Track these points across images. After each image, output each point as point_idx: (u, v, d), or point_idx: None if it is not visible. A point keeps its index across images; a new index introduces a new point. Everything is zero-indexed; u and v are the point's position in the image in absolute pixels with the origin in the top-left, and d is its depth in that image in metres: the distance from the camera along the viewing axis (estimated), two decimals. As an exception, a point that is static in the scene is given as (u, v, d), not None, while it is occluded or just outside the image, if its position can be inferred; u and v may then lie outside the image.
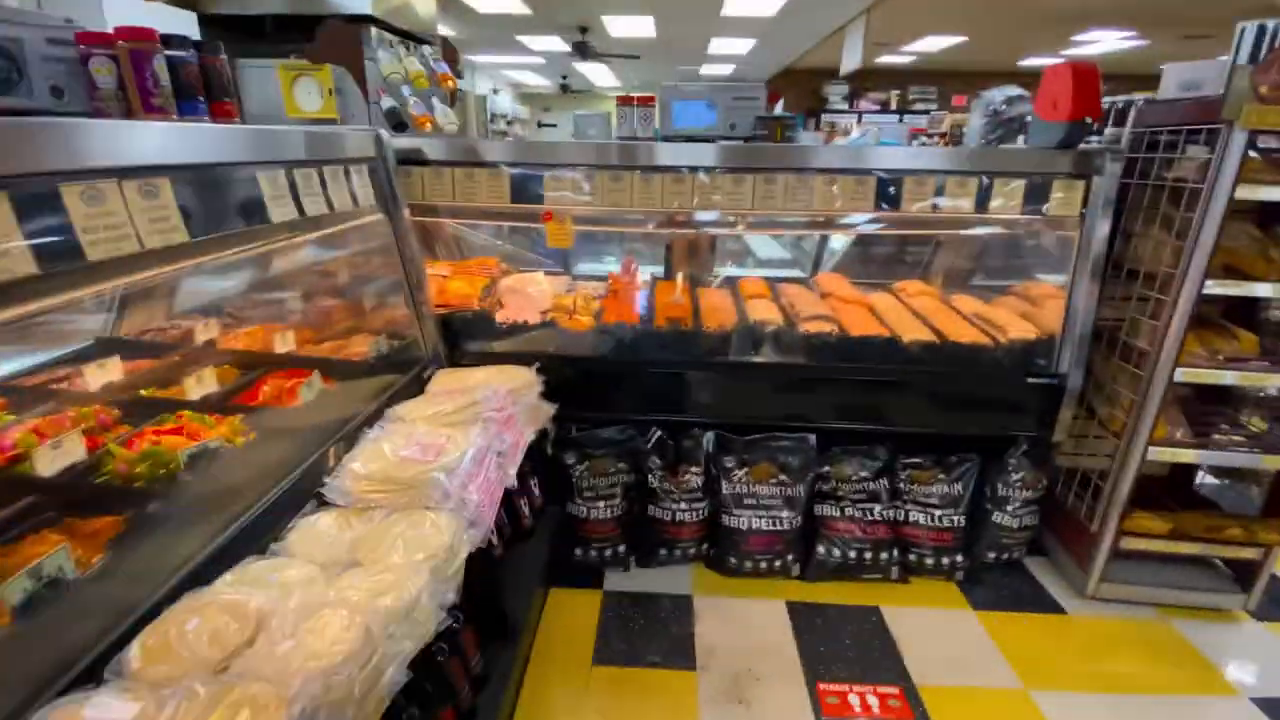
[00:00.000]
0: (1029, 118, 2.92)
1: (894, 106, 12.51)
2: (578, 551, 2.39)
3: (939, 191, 2.24)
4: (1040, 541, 2.59)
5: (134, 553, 1.15)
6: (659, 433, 2.43)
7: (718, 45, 9.81)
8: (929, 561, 2.40)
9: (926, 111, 12.21)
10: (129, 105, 1.25)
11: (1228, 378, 2.11)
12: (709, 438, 2.44)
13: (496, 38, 9.68)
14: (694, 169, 2.25)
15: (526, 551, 2.16)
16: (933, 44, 9.76)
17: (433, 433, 1.65)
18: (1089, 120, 2.17)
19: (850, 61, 7.28)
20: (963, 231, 2.83)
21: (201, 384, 1.66)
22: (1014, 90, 2.84)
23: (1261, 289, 2.00)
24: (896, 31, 8.65)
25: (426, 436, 1.62)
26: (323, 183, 1.70)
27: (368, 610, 1.09)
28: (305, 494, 1.49)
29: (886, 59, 11.33)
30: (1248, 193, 1.93)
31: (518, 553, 2.11)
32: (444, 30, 8.60)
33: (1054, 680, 2.03)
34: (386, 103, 2.38)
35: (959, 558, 2.40)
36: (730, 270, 3.51)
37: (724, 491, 2.35)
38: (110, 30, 1.24)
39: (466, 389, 1.88)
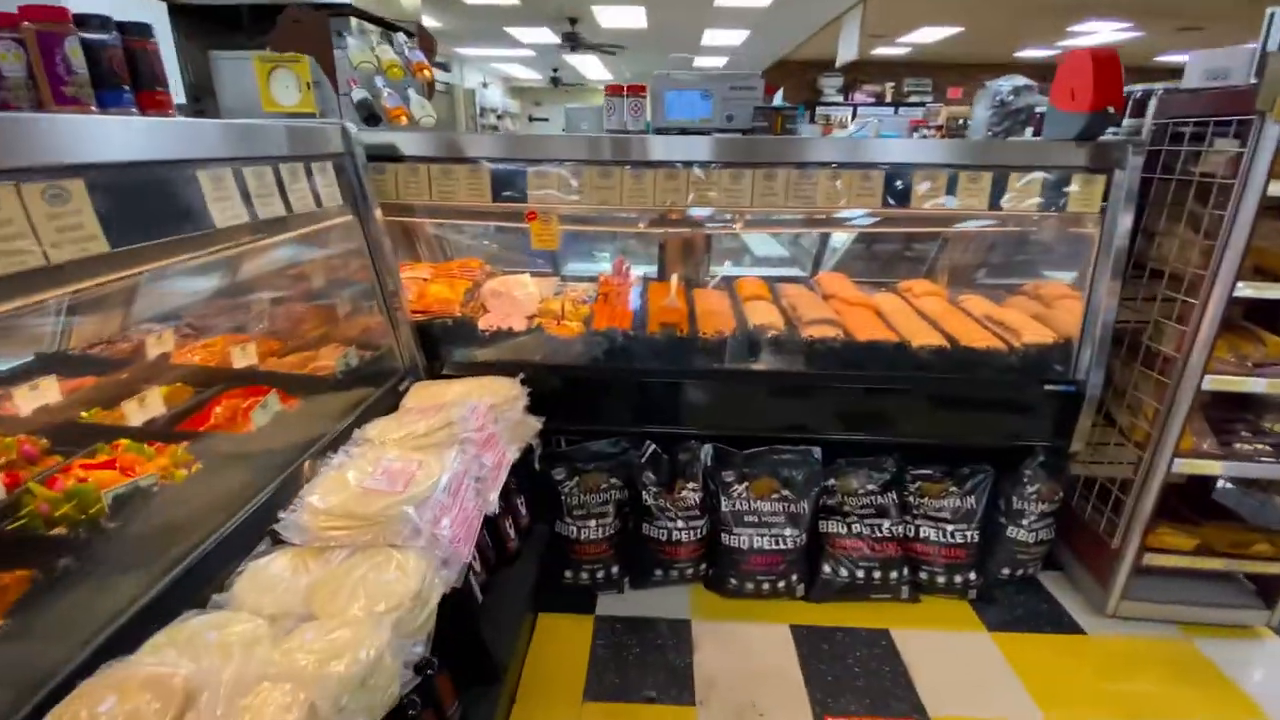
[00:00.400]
0: (1039, 109, 2.77)
1: (889, 99, 12.36)
2: (568, 574, 2.24)
3: (951, 186, 2.09)
4: (1054, 555, 2.46)
5: (45, 614, 0.99)
6: (653, 446, 2.28)
7: (711, 37, 9.62)
8: (940, 580, 2.27)
9: (922, 104, 12.08)
10: (39, 96, 1.09)
11: (1258, 385, 1.98)
12: (706, 451, 2.29)
13: (485, 29, 9.46)
14: (689, 164, 2.10)
15: (512, 576, 2.01)
16: (928, 35, 9.62)
17: (403, 458, 1.49)
18: (1111, 110, 2.03)
19: (846, 53, 7.13)
20: (973, 228, 2.69)
21: (145, 407, 1.49)
22: (1021, 80, 2.69)
23: (1292, 291, 1.87)
24: (893, 22, 8.50)
25: (396, 462, 1.47)
26: (279, 182, 1.53)
27: (316, 682, 0.94)
28: (258, 531, 1.34)
29: (881, 51, 11.19)
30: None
31: (502, 577, 1.96)
32: (429, 22, 8.39)
33: (1074, 706, 1.90)
34: (358, 94, 2.21)
35: (972, 575, 2.27)
36: (726, 269, 3.36)
37: (723, 508, 2.20)
38: (15, 10, 1.07)
39: (442, 406, 1.72)
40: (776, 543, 2.18)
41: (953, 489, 2.29)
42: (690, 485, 2.20)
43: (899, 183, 2.10)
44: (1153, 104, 2.21)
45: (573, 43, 9.32)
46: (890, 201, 2.11)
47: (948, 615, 2.24)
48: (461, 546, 1.40)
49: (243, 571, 1.24)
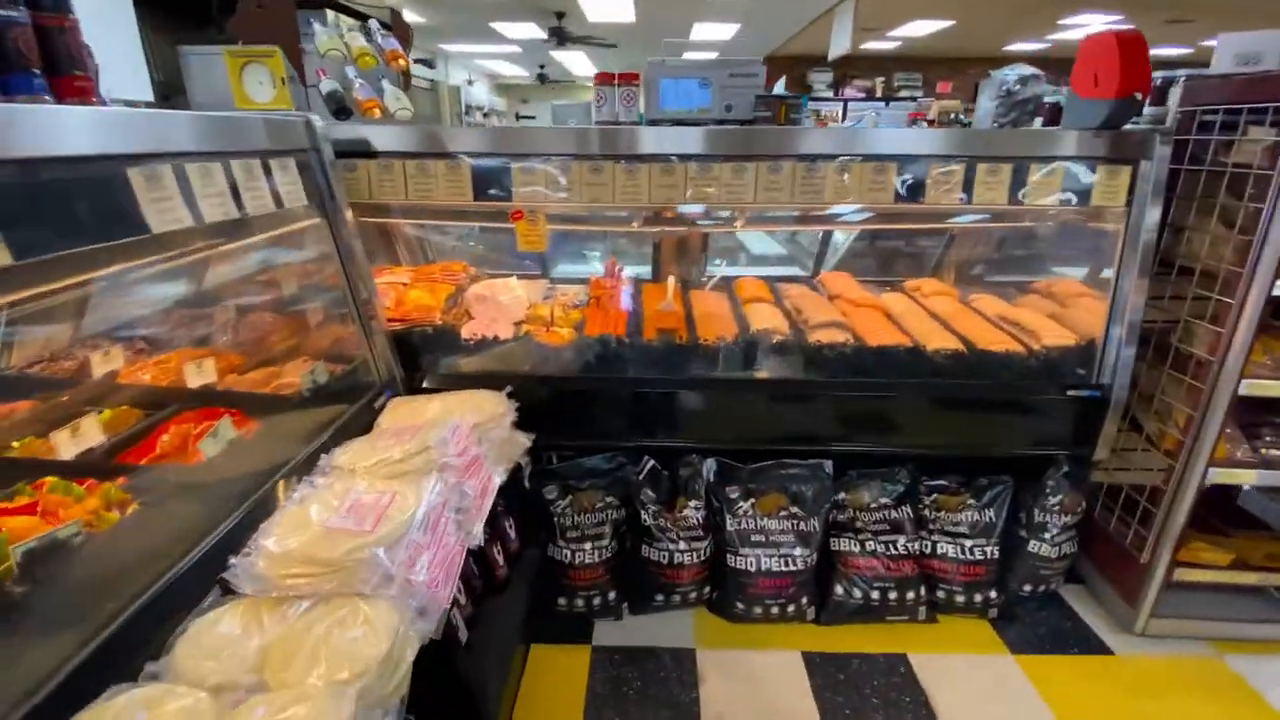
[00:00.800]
0: (1047, 99, 2.64)
1: (879, 94, 12.27)
2: (561, 601, 2.08)
3: (968, 179, 1.95)
4: (1075, 567, 2.33)
5: (-68, 703, 0.82)
6: (651, 461, 2.12)
7: (700, 31, 9.47)
8: (959, 599, 2.13)
9: (912, 98, 12.00)
10: (-74, 78, 0.91)
11: None
12: (709, 465, 2.14)
13: (470, 24, 9.25)
14: (686, 157, 1.94)
15: (501, 606, 1.85)
16: (919, 28, 9.52)
17: (375, 489, 1.33)
18: (1139, 96, 1.89)
19: (839, 46, 6.99)
20: (986, 224, 2.55)
21: (80, 437, 1.32)
22: (1027, 69, 2.57)
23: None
24: (885, 14, 8.38)
25: (367, 495, 1.30)
26: (230, 180, 1.36)
27: (258, 783, 0.78)
28: (205, 581, 1.17)
29: (872, 45, 11.08)
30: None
31: (490, 609, 1.80)
32: (412, 17, 8.17)
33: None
34: (326, 85, 2.04)
35: (992, 593, 2.14)
36: (724, 269, 3.21)
37: (728, 527, 2.05)
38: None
39: (420, 426, 1.56)
40: (786, 563, 2.03)
41: (970, 501, 2.15)
42: (692, 503, 2.05)
43: (913, 176, 1.96)
44: (1175, 91, 2.08)
45: (559, 37, 9.13)
46: (903, 196, 1.97)
47: (968, 637, 2.10)
48: (440, 590, 1.24)
49: (185, 631, 1.07)
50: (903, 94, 12.17)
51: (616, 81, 2.04)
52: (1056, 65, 3.13)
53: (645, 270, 3.02)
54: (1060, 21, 9.02)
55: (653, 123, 2.05)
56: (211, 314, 1.92)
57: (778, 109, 2.05)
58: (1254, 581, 2.05)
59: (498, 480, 1.68)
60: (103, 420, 1.43)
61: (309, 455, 1.53)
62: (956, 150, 1.96)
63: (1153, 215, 1.95)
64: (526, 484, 2.05)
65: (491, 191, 2.02)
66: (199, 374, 1.64)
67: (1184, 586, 2.06)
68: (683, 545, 2.04)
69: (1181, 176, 1.98)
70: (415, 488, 1.35)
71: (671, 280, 2.57)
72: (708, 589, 2.15)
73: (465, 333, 2.17)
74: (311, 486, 1.37)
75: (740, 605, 2.07)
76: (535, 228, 2.00)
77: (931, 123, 8.19)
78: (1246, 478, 1.97)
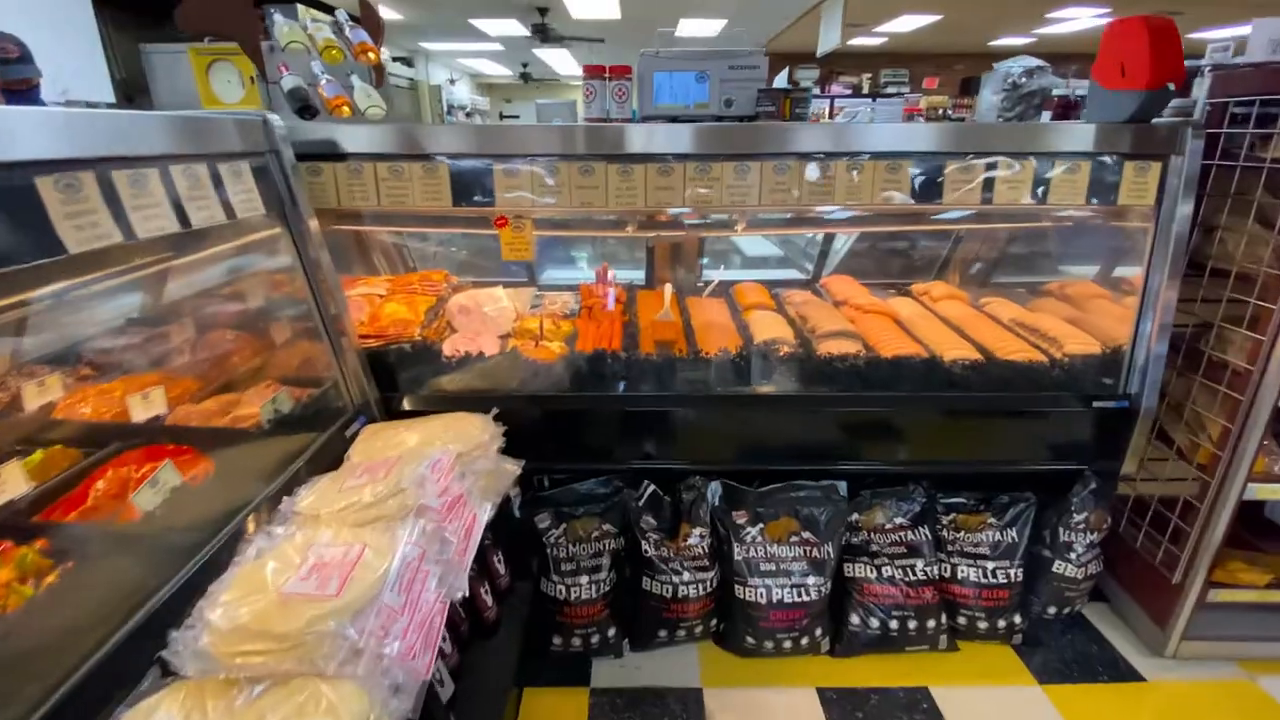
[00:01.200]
0: (1055, 91, 2.51)
1: (865, 91, 12.18)
2: (556, 640, 1.92)
3: (988, 177, 1.82)
4: (1099, 586, 2.21)
5: None
6: (652, 486, 1.97)
7: (687, 27, 9.31)
8: (982, 625, 2.00)
9: (899, 94, 11.93)
10: None
11: None
12: (713, 489, 1.99)
13: (450, 22, 9.01)
14: (684, 157, 1.78)
15: (490, 649, 1.69)
16: (906, 23, 9.42)
17: (341, 540, 1.16)
18: (1171, 87, 1.76)
19: (828, 41, 6.86)
20: (1011, 225, 2.42)
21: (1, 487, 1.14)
22: (1033, 61, 2.44)
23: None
24: (874, 9, 8.28)
25: (331, 549, 1.14)
26: (170, 189, 1.19)
27: None
28: (141, 661, 1.00)
29: (858, 42, 10.99)
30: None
31: (478, 653, 1.64)
32: (389, 14, 7.94)
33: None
34: (289, 81, 1.86)
35: (1016, 618, 2.01)
36: (721, 273, 3.06)
37: (736, 556, 1.90)
38: None
39: (395, 461, 1.39)
40: (799, 594, 1.88)
41: (991, 520, 2.02)
42: (697, 530, 1.90)
43: (929, 174, 1.81)
44: (1201, 82, 1.96)
45: (543, 35, 8.93)
46: (919, 194, 1.83)
47: (992, 666, 1.97)
48: (418, 661, 1.08)
49: (112, 727, 0.90)
50: (889, 90, 12.10)
51: (608, 75, 1.88)
52: (1045, 60, 3.02)
53: (638, 275, 2.87)
54: (1048, 15, 8.97)
55: (646, 119, 1.89)
56: (164, 334, 1.73)
57: (781, 103, 1.90)
58: (1291, 600, 1.94)
59: (485, 517, 1.51)
60: (30, 465, 1.25)
61: (270, 496, 1.36)
62: (975, 146, 1.82)
63: (1184, 213, 1.82)
64: (517, 513, 1.89)
65: (474, 197, 1.85)
66: (145, 405, 1.46)
67: (1216, 607, 1.95)
68: (687, 576, 1.88)
69: (1213, 173, 1.85)
70: (389, 537, 1.18)
71: (669, 287, 2.42)
72: (715, 620, 2.00)
73: (447, 349, 2.00)
74: (269, 538, 1.20)
75: (750, 639, 1.93)
76: (521, 235, 1.84)
77: (926, 119, 8.10)
78: (1285, 492, 1.85)
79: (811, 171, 1.74)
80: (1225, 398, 1.80)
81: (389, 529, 1.21)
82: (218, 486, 1.32)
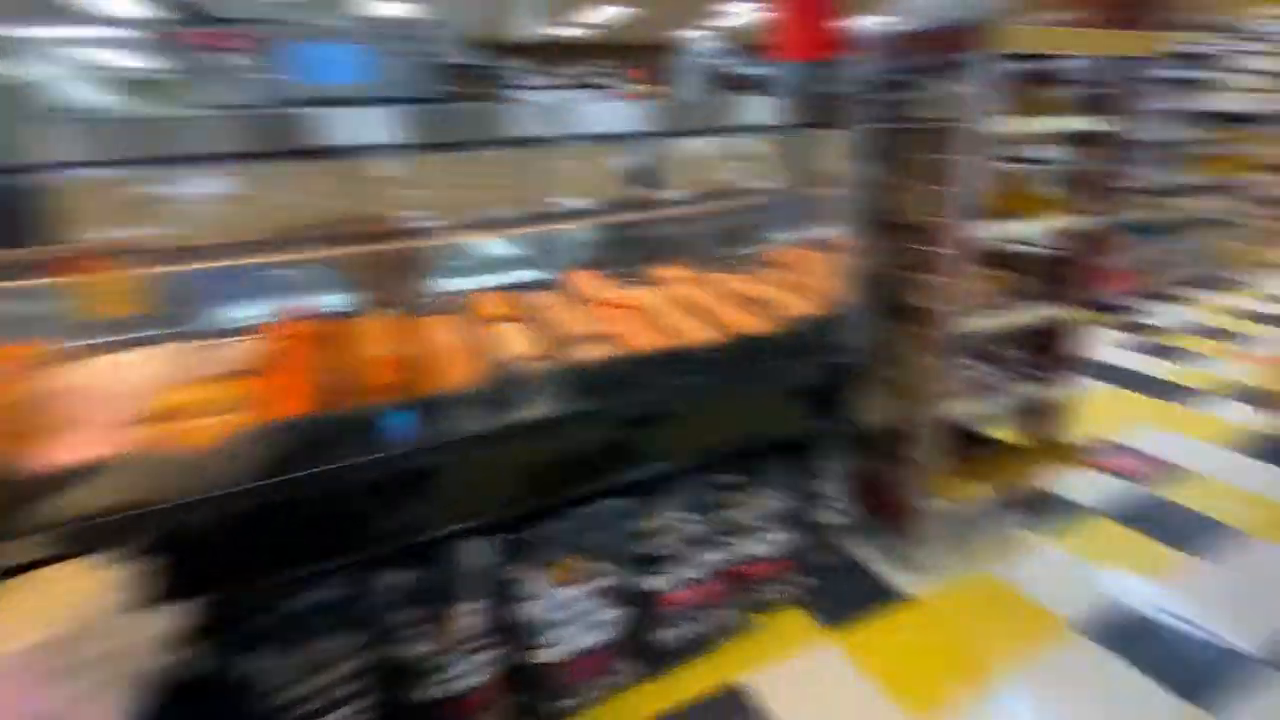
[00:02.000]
0: (739, 70, 2.63)
1: (573, 84, 12.44)
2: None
3: (704, 154, 1.76)
4: (860, 524, 2.42)
5: None
6: (399, 570, 1.56)
7: (371, 9, 8.35)
8: (773, 594, 2.02)
9: (607, 86, 12.42)
10: None
11: (1005, 320, 2.08)
12: (480, 548, 1.66)
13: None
14: (355, 151, 1.38)
15: None
16: (605, 15, 9.78)
17: None
18: (834, 57, 1.88)
19: (526, 28, 6.70)
20: (714, 202, 2.45)
21: None
22: (719, 43, 2.53)
23: (1016, 228, 1.96)
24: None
25: None
26: None
27: None
28: None
29: (560, 31, 11.14)
30: (998, 126, 1.82)
31: None
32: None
33: (931, 696, 1.81)
34: None
35: (801, 577, 2.07)
36: (454, 282, 2.66)
37: (520, 618, 1.61)
38: None
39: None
40: (602, 633, 1.67)
41: (761, 492, 2.04)
42: (469, 605, 1.55)
43: (645, 156, 1.69)
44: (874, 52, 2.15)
45: None
46: (636, 178, 1.69)
47: (791, 634, 2.01)
48: None
49: None
50: (597, 81, 12.54)
51: (217, 45, 1.36)
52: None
53: (342, 299, 2.33)
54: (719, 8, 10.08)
55: (288, 104, 1.41)
56: None
57: (466, 83, 1.59)
58: (992, 495, 2.32)
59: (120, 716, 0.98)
60: None
61: None
62: (678, 123, 1.75)
63: (864, 174, 1.99)
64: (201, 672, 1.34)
65: (21, 233, 1.21)
66: None
67: (950, 516, 2.24)
68: (466, 665, 1.53)
69: (883, 135, 2.05)
70: None
71: (383, 311, 1.97)
72: (511, 695, 1.68)
73: (38, 464, 1.31)
74: None
75: (556, 703, 1.66)
76: (117, 281, 1.25)
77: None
78: (974, 408, 2.18)
79: (506, 161, 1.48)
80: (917, 334, 2.04)
81: None
82: None
